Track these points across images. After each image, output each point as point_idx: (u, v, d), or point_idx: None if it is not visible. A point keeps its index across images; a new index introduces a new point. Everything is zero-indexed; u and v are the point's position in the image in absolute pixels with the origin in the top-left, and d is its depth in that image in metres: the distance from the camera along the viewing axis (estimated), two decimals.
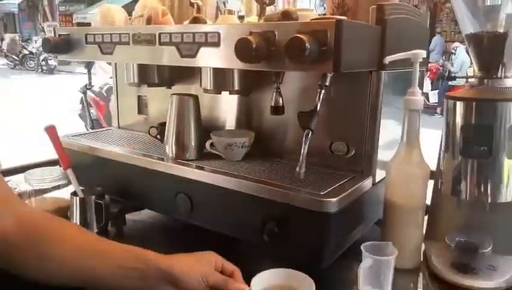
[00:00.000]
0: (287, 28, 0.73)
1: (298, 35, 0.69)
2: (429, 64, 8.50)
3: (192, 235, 1.00)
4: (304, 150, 0.76)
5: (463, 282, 0.79)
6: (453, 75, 8.13)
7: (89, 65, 1.24)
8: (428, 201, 0.90)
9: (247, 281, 0.70)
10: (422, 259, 0.88)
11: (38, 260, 0.64)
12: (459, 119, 0.78)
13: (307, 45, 0.68)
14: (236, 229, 0.88)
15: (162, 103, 1.19)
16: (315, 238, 0.78)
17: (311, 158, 0.84)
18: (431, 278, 0.84)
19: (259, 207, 0.83)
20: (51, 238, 0.66)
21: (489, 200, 0.78)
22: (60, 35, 1.13)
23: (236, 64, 0.78)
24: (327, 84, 0.76)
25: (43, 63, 14.28)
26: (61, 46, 1.11)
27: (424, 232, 0.89)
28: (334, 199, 0.77)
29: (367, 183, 0.88)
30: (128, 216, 1.11)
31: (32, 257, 0.64)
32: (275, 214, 0.80)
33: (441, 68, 8.69)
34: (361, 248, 0.73)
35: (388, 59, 0.82)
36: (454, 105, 0.79)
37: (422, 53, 0.80)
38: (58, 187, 1.25)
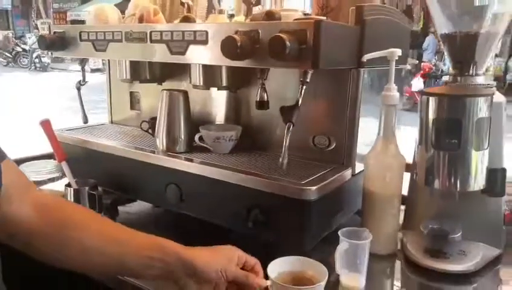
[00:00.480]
0: (271, 28, 0.78)
1: (279, 34, 0.74)
2: (422, 64, 8.57)
3: (182, 227, 1.04)
4: (286, 141, 0.81)
5: (436, 266, 0.85)
6: (444, 74, 8.21)
7: (83, 62, 1.28)
8: (405, 192, 0.95)
9: None
10: (400, 247, 0.93)
11: (59, 246, 0.64)
12: (431, 114, 0.83)
13: (287, 43, 0.73)
14: (224, 218, 0.93)
15: (154, 99, 1.23)
16: (296, 224, 0.83)
17: (295, 151, 0.90)
18: (406, 264, 0.89)
19: (244, 196, 0.87)
20: (73, 223, 0.65)
21: (459, 190, 0.83)
22: (55, 32, 1.17)
23: (223, 61, 0.83)
24: (308, 80, 0.81)
25: (37, 60, 14.15)
26: (57, 43, 1.15)
27: (400, 220, 0.95)
28: (314, 188, 0.82)
29: (346, 174, 0.93)
30: (120, 208, 1.15)
31: (53, 243, 0.63)
32: (259, 203, 0.85)
33: (434, 67, 8.77)
34: (339, 233, 0.78)
35: (366, 57, 0.87)
36: (428, 101, 0.84)
37: (398, 51, 0.85)
38: (53, 179, 1.29)
